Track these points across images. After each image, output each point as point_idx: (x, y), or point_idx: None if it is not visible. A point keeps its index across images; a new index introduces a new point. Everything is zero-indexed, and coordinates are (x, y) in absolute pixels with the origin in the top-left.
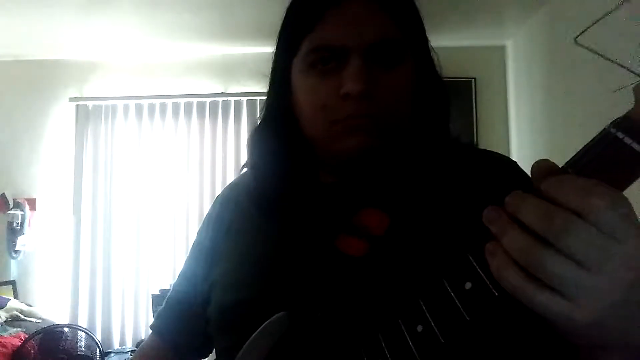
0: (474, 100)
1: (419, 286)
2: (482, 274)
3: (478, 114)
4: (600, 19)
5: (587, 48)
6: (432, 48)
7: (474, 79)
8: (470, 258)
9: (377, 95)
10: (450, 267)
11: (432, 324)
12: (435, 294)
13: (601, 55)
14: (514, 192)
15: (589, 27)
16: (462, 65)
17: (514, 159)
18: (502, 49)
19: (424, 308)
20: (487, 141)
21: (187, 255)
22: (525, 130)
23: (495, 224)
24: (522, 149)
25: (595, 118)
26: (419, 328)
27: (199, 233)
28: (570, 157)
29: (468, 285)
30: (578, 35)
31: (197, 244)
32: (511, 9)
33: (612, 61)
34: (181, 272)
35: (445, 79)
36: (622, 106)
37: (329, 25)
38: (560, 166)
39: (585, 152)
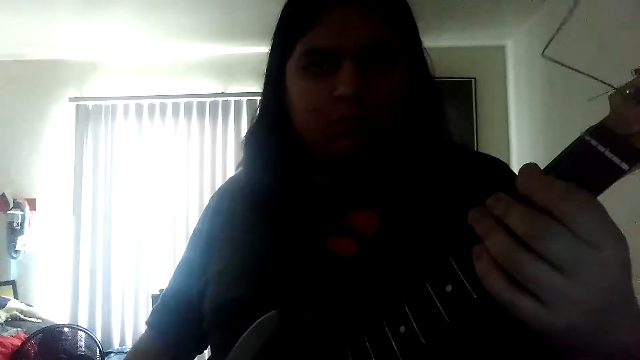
0: (474, 100)
1: (404, 287)
2: (462, 277)
3: (478, 114)
4: (557, 30)
5: (554, 61)
6: (426, 50)
7: (474, 79)
8: (452, 261)
9: (370, 97)
10: (433, 269)
11: (414, 325)
12: (418, 296)
13: (570, 68)
14: (495, 194)
15: (550, 41)
16: (462, 65)
17: (511, 160)
18: (502, 49)
19: (406, 309)
20: (487, 141)
21: (187, 245)
22: (525, 130)
23: (479, 225)
24: (522, 149)
25: (595, 118)
26: (402, 329)
27: (198, 222)
28: (549, 162)
29: (449, 288)
30: (544, 49)
31: (195, 233)
32: (511, 9)
33: (581, 72)
34: (178, 264)
35: (445, 79)
36: None
37: (322, 28)
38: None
39: (561, 158)
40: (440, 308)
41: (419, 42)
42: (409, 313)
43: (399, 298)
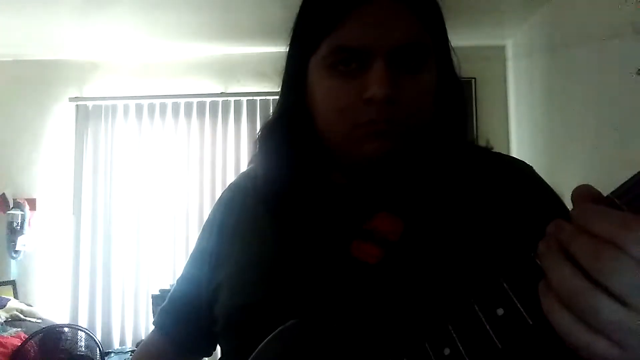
0: (474, 100)
1: (444, 305)
2: (516, 301)
3: (478, 113)
4: None
5: None
6: (453, 49)
7: (474, 79)
8: (503, 282)
9: (401, 100)
10: (481, 290)
11: (461, 348)
12: (464, 318)
13: None
14: (555, 222)
15: None
16: (462, 65)
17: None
18: (502, 49)
19: (452, 331)
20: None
21: (187, 261)
22: (525, 130)
23: (545, 259)
24: (522, 149)
25: (595, 118)
26: (446, 351)
27: (201, 239)
28: (618, 186)
29: (500, 312)
30: None
31: (198, 249)
32: (511, 9)
33: None
34: (182, 274)
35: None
36: (622, 106)
37: (352, 26)
38: (605, 195)
39: (635, 182)
40: (491, 333)
41: (447, 40)
42: (454, 335)
43: (442, 319)
